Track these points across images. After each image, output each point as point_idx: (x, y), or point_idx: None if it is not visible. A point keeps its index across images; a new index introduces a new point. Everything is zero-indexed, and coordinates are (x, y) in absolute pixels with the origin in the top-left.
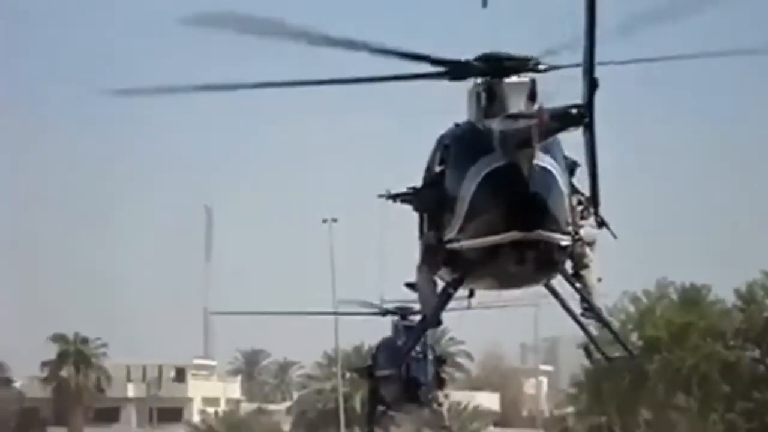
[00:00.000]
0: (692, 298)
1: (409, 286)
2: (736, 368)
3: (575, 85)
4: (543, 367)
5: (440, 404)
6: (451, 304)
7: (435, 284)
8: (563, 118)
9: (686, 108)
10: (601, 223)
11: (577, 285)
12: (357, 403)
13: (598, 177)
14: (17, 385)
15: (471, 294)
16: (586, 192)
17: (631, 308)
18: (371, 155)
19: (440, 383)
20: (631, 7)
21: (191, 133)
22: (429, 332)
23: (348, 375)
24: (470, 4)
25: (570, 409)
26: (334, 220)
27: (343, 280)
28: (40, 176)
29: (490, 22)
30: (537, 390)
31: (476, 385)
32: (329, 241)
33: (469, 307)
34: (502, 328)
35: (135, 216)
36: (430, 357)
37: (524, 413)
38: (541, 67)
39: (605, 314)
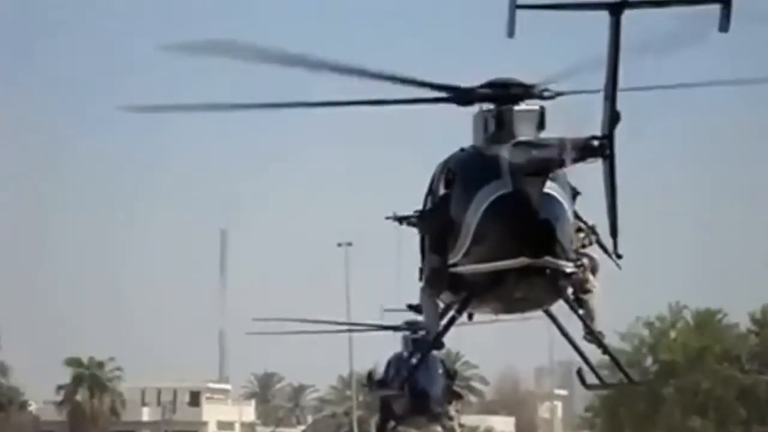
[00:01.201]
0: (707, 321)
1: (412, 308)
2: (752, 392)
3: (582, 111)
4: (558, 391)
5: (451, 418)
6: (462, 321)
7: (438, 307)
8: (584, 150)
9: (703, 131)
10: (618, 255)
11: (580, 311)
12: (372, 427)
13: (617, 208)
14: (32, 409)
15: (470, 318)
16: (588, 219)
17: (645, 332)
18: (386, 180)
19: (452, 397)
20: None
21: (208, 157)
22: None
23: (362, 398)
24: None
25: None
26: (349, 244)
27: (358, 304)
28: (56, 202)
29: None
30: (552, 414)
31: (491, 409)
32: (344, 264)
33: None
34: (516, 352)
35: (151, 239)
36: (441, 371)
37: None
38: (546, 94)
39: (606, 340)
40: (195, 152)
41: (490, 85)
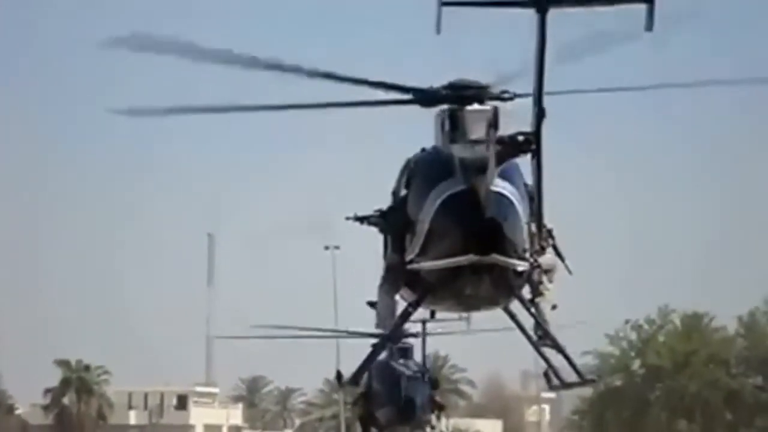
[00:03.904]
0: (694, 325)
1: (371, 304)
2: (739, 396)
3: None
4: (545, 395)
5: (433, 427)
6: (452, 328)
7: (395, 303)
8: (511, 145)
9: (690, 133)
10: (543, 249)
11: (533, 311)
12: (359, 430)
13: (542, 204)
14: (20, 412)
15: (432, 315)
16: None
17: (633, 336)
18: (372, 182)
19: (433, 406)
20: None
21: (194, 160)
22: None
23: (350, 402)
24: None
25: None
26: (336, 248)
27: (345, 308)
28: (44, 206)
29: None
30: (539, 418)
31: (478, 413)
32: (332, 268)
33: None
34: (503, 355)
35: (137, 244)
36: (424, 380)
37: None
38: (505, 95)
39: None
40: (182, 156)
41: (451, 86)
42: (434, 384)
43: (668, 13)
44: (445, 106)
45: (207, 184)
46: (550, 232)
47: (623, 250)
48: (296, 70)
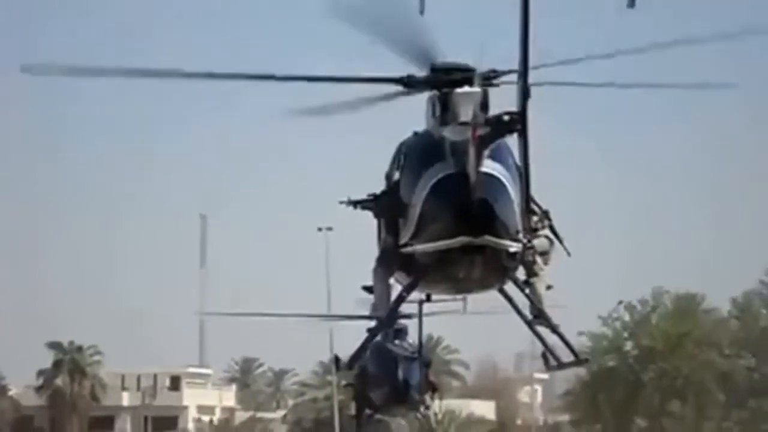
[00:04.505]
0: (687, 306)
1: (366, 289)
2: (731, 377)
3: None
4: (538, 375)
5: (427, 407)
6: (448, 309)
7: (390, 287)
8: (496, 125)
9: (681, 113)
10: (535, 229)
11: (527, 292)
12: (352, 411)
13: (530, 183)
14: (12, 393)
15: (428, 298)
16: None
17: (627, 317)
18: (365, 165)
19: (427, 386)
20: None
21: (187, 141)
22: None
23: (343, 383)
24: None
25: (565, 417)
26: (329, 229)
27: (339, 289)
28: (34, 190)
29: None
30: (532, 398)
31: (471, 393)
32: (325, 249)
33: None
34: (497, 336)
35: (130, 224)
36: (417, 360)
37: (519, 421)
38: (493, 76)
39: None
40: (175, 137)
41: (438, 69)
42: (427, 364)
43: None
44: (434, 89)
45: (199, 163)
46: (546, 214)
47: (618, 230)
48: (288, 77)
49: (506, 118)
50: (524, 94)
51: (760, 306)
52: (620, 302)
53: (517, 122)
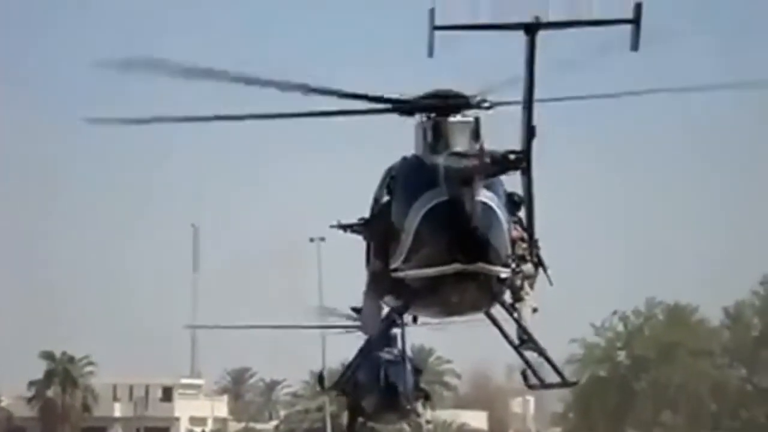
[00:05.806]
0: (679, 317)
1: (355, 310)
2: (723, 387)
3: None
4: None
5: (419, 415)
6: (431, 321)
7: (380, 310)
8: (501, 162)
9: (675, 125)
10: (538, 264)
11: (515, 316)
12: (344, 422)
13: (534, 219)
14: (4, 404)
15: (414, 320)
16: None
17: (620, 327)
18: (358, 178)
19: (419, 394)
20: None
21: (180, 154)
22: (409, 346)
23: (335, 394)
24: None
25: (558, 429)
26: (322, 239)
27: (331, 299)
28: (28, 197)
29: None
30: (524, 409)
31: (464, 404)
32: (317, 260)
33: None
34: (489, 347)
35: (123, 235)
36: (409, 368)
37: None
38: (485, 105)
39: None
40: (167, 147)
41: (430, 96)
42: (419, 371)
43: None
44: (425, 116)
45: (192, 175)
46: (536, 243)
47: (611, 241)
48: (283, 85)
49: (512, 156)
50: (529, 134)
51: (752, 316)
52: (614, 312)
53: (522, 161)
